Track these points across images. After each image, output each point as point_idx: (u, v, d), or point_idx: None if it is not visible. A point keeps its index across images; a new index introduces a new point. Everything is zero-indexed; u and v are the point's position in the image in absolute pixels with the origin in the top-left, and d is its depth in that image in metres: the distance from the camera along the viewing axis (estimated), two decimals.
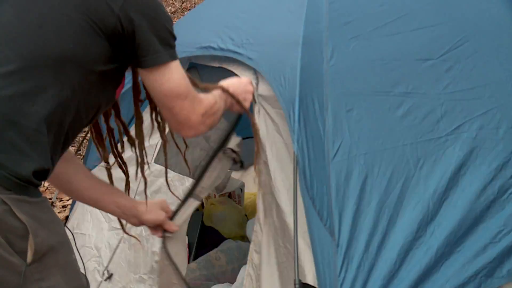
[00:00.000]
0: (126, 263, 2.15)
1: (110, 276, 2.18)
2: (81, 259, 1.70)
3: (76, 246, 1.71)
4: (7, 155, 1.17)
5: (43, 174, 1.24)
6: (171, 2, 7.87)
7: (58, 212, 3.91)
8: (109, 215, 2.07)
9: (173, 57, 1.35)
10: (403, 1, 1.94)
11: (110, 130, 1.59)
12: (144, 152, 1.60)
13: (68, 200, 4.07)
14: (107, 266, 2.20)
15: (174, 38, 1.36)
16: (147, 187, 1.65)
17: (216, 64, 1.94)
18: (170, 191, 1.74)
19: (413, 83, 1.72)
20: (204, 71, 2.32)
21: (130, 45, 1.30)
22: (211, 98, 1.49)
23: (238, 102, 1.62)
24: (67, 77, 1.24)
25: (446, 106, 1.69)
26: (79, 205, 2.36)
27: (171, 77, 1.34)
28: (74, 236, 1.98)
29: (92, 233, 2.29)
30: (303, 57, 1.70)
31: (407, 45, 1.81)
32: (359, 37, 1.79)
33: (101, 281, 2.19)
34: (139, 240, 1.91)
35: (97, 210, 2.15)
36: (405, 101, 1.68)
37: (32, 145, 1.20)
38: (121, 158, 1.63)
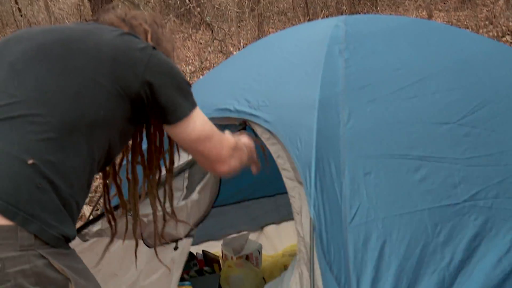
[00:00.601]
0: None
1: None
2: None
3: None
4: (51, 215, 1.25)
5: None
6: (191, 61, 8.12)
7: None
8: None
9: (194, 105, 1.47)
10: (420, 65, 2.00)
11: (105, 186, 1.71)
12: (138, 215, 1.72)
13: None
14: None
15: (190, 86, 1.49)
16: (137, 248, 1.74)
17: (236, 122, 2.02)
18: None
19: (431, 147, 1.74)
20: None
21: (151, 106, 1.41)
22: (234, 138, 1.61)
23: (254, 160, 1.71)
24: (96, 140, 1.35)
25: (464, 171, 1.71)
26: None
27: (196, 125, 1.46)
28: None
29: None
30: (319, 120, 1.75)
31: (424, 108, 1.85)
32: (376, 101, 1.84)
33: None
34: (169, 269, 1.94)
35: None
36: (422, 165, 1.70)
37: (67, 207, 1.28)
38: (112, 215, 1.73)
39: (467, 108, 1.84)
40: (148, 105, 1.41)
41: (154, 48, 1.44)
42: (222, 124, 2.11)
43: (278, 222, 3.42)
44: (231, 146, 1.55)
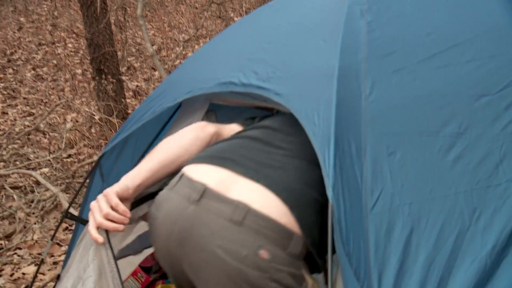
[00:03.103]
0: None
1: None
2: None
3: None
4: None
5: None
6: (184, 29, 8.09)
7: (48, 270, 3.97)
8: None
9: None
10: (454, 29, 2.00)
11: None
12: None
13: (60, 256, 4.14)
14: None
15: None
16: None
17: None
18: None
19: (467, 122, 1.75)
20: (221, 111, 2.40)
21: None
22: None
23: None
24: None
25: (506, 148, 1.71)
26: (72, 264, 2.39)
27: None
28: None
29: None
30: (338, 91, 1.75)
31: (459, 79, 1.85)
32: (403, 70, 1.84)
33: None
34: None
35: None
36: (457, 143, 1.70)
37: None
38: None
39: (509, 77, 1.84)
40: None
41: None
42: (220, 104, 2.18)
43: None
44: None
